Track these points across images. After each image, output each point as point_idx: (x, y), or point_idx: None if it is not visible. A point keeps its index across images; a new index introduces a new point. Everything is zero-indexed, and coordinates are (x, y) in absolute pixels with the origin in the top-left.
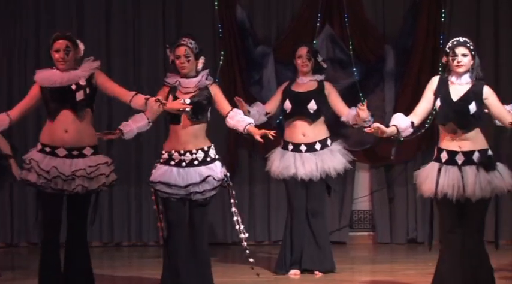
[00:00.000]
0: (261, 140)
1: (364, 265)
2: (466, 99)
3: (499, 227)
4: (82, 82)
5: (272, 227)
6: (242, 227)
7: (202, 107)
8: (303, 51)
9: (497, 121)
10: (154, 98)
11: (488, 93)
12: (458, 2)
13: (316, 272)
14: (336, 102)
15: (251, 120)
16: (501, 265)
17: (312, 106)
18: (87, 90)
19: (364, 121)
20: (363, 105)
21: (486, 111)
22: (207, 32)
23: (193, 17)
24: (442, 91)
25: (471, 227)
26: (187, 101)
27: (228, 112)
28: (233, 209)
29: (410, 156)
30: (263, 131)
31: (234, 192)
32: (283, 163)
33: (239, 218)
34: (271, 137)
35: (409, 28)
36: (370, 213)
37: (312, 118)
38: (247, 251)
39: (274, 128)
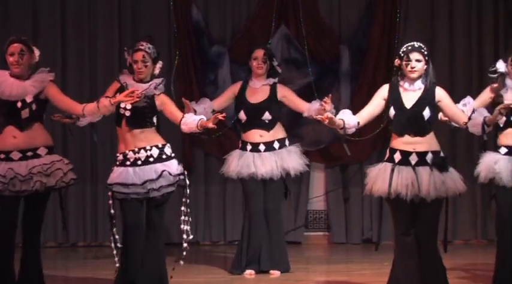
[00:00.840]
0: (214, 126)
1: (319, 265)
2: (419, 105)
3: (449, 228)
4: (28, 99)
5: (228, 228)
6: (188, 228)
7: (143, 115)
8: (259, 53)
9: (453, 123)
10: (103, 97)
11: (440, 94)
12: (413, 1)
13: (272, 272)
14: (294, 101)
15: (201, 116)
16: (456, 264)
17: (267, 116)
18: (34, 107)
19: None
20: (328, 98)
21: (440, 114)
22: (162, 32)
23: (149, 16)
24: (395, 99)
25: (426, 228)
26: (128, 107)
27: (181, 120)
28: (182, 208)
29: (365, 156)
30: (212, 118)
31: (188, 191)
32: (242, 162)
33: (186, 219)
34: (223, 118)
35: (364, 28)
36: (326, 212)
37: (267, 126)
38: (184, 253)
39: (229, 128)
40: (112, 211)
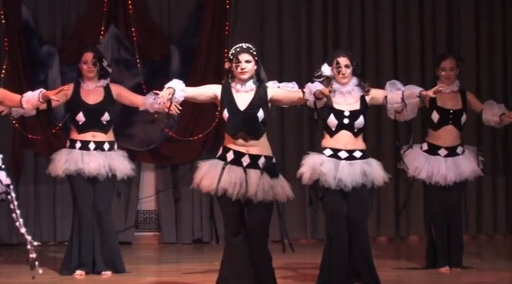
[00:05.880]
0: (57, 100)
1: (150, 265)
2: (253, 107)
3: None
4: None
5: (58, 228)
6: (25, 230)
7: None
8: (88, 56)
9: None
10: None
11: (271, 90)
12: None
13: (104, 273)
14: (129, 97)
15: (40, 89)
16: (284, 263)
17: (106, 118)
18: None
19: None
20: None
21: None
22: None
23: None
24: (228, 100)
25: (254, 229)
26: None
27: (20, 100)
28: (14, 215)
29: (195, 156)
30: (57, 89)
31: (14, 195)
32: (70, 159)
33: (21, 221)
34: (67, 89)
35: (193, 27)
36: (156, 213)
37: (104, 127)
38: (32, 256)
39: (59, 128)
40: None
